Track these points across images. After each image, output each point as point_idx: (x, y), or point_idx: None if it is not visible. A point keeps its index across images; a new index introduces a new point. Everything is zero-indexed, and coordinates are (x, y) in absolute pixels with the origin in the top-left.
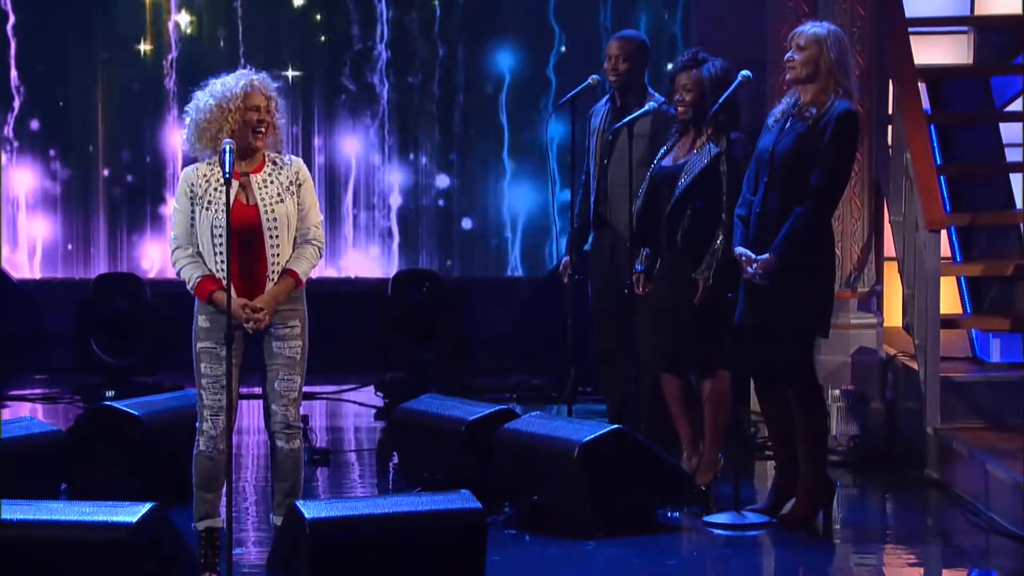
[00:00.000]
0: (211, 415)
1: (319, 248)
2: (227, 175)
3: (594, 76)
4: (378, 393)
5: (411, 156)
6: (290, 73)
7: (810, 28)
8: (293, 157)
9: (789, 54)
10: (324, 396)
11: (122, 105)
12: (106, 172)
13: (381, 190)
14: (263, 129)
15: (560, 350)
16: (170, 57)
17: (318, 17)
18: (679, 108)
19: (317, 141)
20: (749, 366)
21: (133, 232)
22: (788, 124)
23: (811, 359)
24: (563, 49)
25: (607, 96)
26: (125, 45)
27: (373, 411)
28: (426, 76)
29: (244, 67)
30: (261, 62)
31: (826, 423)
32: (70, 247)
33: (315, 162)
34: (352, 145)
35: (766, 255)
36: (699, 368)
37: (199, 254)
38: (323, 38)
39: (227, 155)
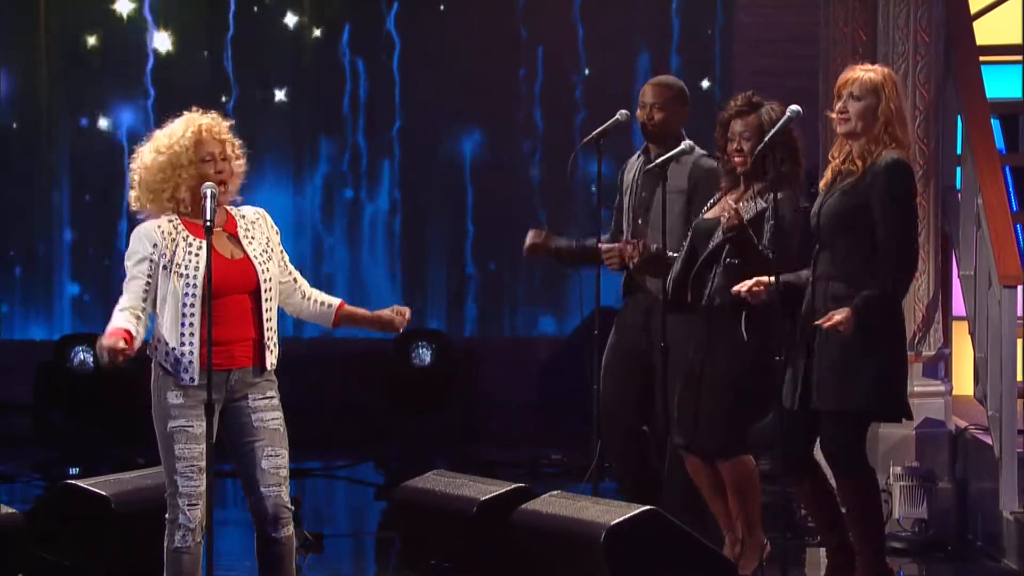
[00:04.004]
0: (188, 505)
1: None
2: (208, 223)
3: (623, 111)
4: (378, 469)
5: None
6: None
7: (864, 74)
8: (255, 208)
9: (841, 103)
10: (316, 473)
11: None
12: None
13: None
14: (223, 180)
15: (585, 420)
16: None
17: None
18: (736, 159)
19: None
20: (785, 447)
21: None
22: (836, 183)
23: (864, 442)
24: (587, 72)
25: (639, 149)
26: None
27: (372, 489)
28: None
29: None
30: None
31: (881, 507)
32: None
33: None
34: None
35: (843, 310)
36: (714, 453)
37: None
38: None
39: (208, 201)
